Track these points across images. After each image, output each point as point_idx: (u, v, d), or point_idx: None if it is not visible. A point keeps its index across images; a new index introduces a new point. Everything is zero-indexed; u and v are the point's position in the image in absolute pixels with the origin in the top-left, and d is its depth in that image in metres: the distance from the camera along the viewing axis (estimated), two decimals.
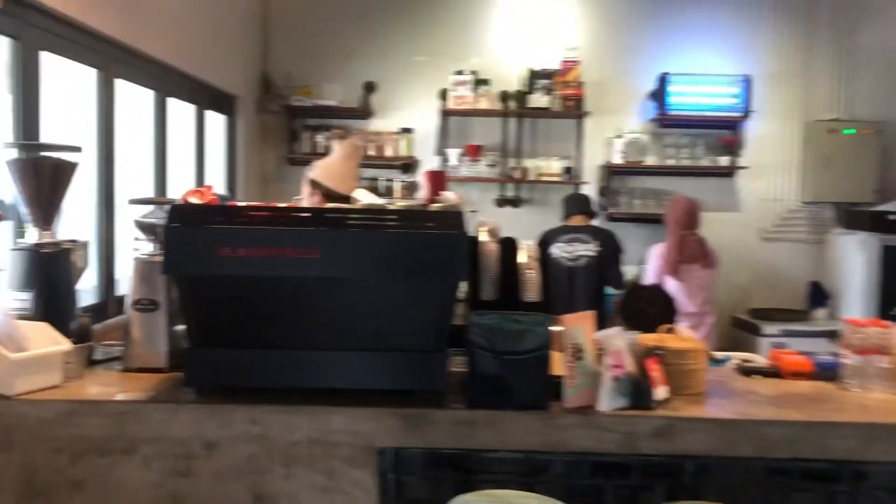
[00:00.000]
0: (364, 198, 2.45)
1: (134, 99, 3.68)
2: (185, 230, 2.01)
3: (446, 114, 5.80)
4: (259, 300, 2.06)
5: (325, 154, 5.73)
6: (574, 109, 5.70)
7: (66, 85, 3.11)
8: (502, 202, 5.86)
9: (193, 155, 4.55)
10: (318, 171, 2.44)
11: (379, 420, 2.03)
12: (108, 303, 3.21)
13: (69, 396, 2.09)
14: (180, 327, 2.35)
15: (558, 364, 2.06)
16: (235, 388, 2.11)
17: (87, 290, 3.14)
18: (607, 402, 2.02)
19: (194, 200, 2.06)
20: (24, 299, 2.29)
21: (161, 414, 2.06)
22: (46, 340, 2.20)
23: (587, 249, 4.46)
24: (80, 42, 2.97)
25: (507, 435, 2.03)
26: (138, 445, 2.05)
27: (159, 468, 2.05)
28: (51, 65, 2.87)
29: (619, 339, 2.08)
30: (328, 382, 2.08)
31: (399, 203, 2.28)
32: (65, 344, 2.20)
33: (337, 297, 2.05)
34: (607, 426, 2.02)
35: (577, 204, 4.78)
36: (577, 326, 2.06)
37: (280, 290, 2.04)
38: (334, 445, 2.04)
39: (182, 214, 2.05)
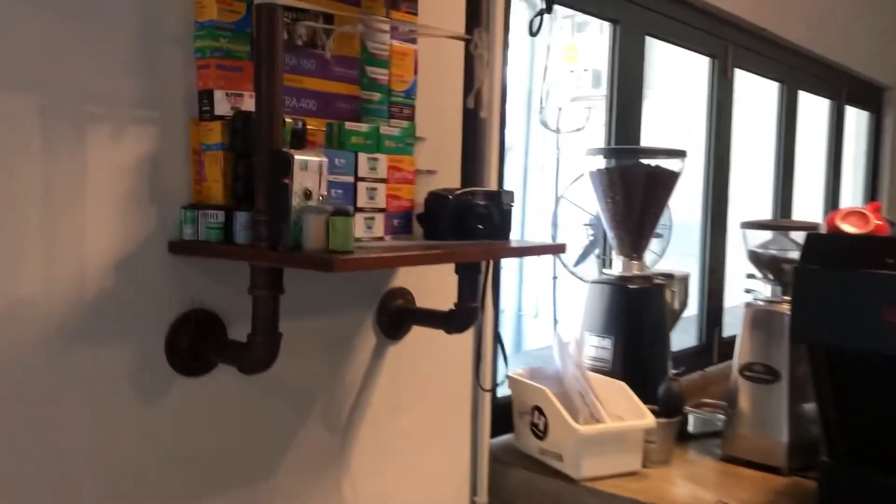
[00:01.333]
0: None
1: (754, 93, 2.99)
2: (827, 276, 1.26)
3: None
4: None
5: None
6: None
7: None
8: None
9: (824, 164, 3.65)
10: None
11: None
12: (711, 346, 2.59)
13: (648, 497, 1.51)
14: (810, 406, 1.61)
15: None
16: None
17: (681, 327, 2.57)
18: None
19: (848, 228, 1.27)
20: (603, 347, 1.81)
21: None
22: (624, 408, 1.67)
23: None
24: (690, 24, 2.40)
25: None
26: None
27: None
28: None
29: None
30: None
31: None
32: (648, 417, 1.63)
33: None
34: None
35: None
36: None
37: None
38: None
39: (823, 250, 1.30)
